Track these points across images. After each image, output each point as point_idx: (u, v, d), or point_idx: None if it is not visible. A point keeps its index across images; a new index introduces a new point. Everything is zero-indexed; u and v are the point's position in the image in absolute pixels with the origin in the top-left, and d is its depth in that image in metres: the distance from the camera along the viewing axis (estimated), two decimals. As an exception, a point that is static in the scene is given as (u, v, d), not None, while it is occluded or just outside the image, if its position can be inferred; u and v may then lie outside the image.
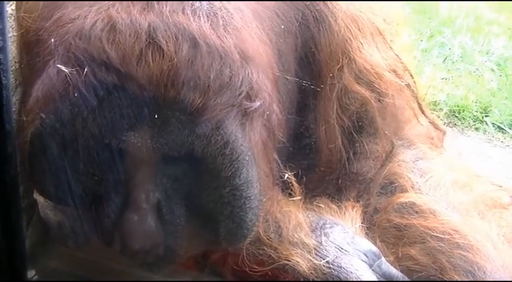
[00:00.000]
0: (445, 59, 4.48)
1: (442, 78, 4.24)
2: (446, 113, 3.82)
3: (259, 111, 1.52)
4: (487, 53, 4.52)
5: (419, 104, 1.93)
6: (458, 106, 3.89)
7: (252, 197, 1.56)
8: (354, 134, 1.88)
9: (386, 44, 1.91)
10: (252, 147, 1.53)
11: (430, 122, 1.98)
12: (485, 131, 3.76)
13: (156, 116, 1.41)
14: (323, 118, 1.84)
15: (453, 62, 4.44)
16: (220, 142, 1.46)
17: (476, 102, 3.95)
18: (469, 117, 3.84)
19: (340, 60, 1.82)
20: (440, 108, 3.78)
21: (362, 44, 1.85)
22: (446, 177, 1.86)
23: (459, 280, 1.65)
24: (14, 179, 1.57)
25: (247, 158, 1.51)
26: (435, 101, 3.88)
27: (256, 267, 1.65)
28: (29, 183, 1.62)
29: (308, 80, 1.82)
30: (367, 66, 1.83)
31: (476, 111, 3.89)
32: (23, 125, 1.51)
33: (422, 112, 1.95)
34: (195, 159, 1.50)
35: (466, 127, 3.80)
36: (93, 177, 1.51)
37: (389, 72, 1.85)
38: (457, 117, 3.85)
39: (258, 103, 1.50)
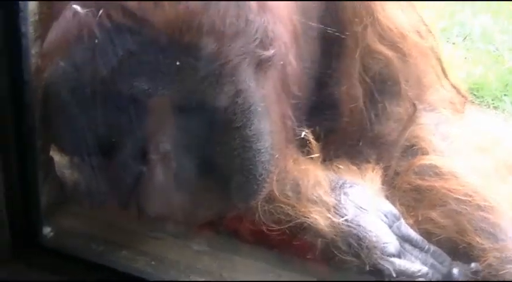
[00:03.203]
0: (465, 37, 4.42)
1: (462, 57, 4.19)
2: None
3: (274, 61, 1.48)
4: (507, 33, 4.46)
5: (442, 68, 1.89)
6: (477, 84, 3.84)
7: (262, 150, 1.52)
8: (376, 95, 1.84)
9: (410, 6, 1.87)
10: (264, 98, 1.49)
11: (453, 87, 1.94)
12: (504, 110, 3.71)
13: (169, 62, 1.38)
14: (345, 77, 1.80)
15: (473, 41, 4.38)
16: (232, 90, 1.43)
17: (495, 80, 3.90)
18: (488, 95, 3.79)
19: (364, 20, 1.78)
20: (459, 86, 3.73)
21: (386, 4, 1.81)
22: (468, 142, 1.83)
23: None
24: (32, 131, 1.55)
25: (259, 109, 1.48)
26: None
27: (274, 225, 1.61)
28: (43, 131, 1.60)
29: (331, 38, 1.79)
30: (391, 27, 1.79)
31: (496, 90, 3.84)
32: (40, 73, 1.49)
33: (445, 76, 1.91)
34: (206, 110, 1.47)
35: (485, 105, 3.74)
36: (105, 126, 1.48)
37: (414, 33, 1.81)
38: (475, 95, 3.79)
39: (271, 51, 1.46)
